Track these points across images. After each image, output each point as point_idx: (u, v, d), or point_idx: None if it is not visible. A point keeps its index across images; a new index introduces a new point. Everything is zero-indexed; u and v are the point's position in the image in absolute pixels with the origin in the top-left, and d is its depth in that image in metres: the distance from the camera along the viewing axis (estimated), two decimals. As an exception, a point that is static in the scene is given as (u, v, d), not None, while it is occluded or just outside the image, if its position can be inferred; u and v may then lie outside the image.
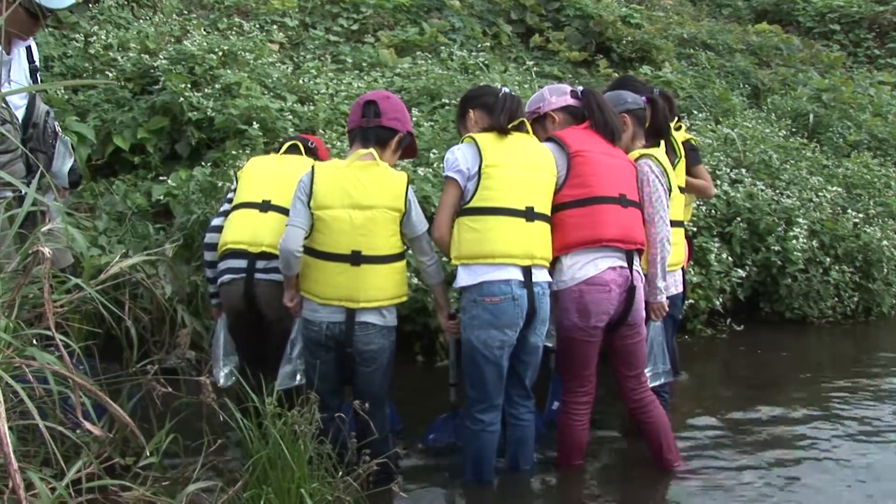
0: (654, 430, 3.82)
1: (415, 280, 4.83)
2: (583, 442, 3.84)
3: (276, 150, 4.24)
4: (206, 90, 6.28)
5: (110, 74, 6.49)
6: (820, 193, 7.25)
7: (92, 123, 5.99)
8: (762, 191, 6.92)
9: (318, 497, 2.94)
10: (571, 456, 3.83)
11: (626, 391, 3.83)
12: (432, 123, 6.50)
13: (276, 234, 3.62)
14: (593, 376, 3.76)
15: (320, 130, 6.17)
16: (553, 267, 3.64)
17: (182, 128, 6.14)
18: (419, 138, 6.12)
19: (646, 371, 3.86)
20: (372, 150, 3.53)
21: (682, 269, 4.37)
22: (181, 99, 6.07)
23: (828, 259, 6.89)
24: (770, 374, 5.56)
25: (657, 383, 3.94)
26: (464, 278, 3.51)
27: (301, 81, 6.91)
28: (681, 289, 4.29)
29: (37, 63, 4.01)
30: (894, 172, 8.43)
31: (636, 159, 3.85)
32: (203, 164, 5.84)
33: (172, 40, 7.10)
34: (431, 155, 5.88)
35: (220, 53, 6.68)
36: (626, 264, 3.65)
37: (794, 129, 8.71)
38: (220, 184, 5.39)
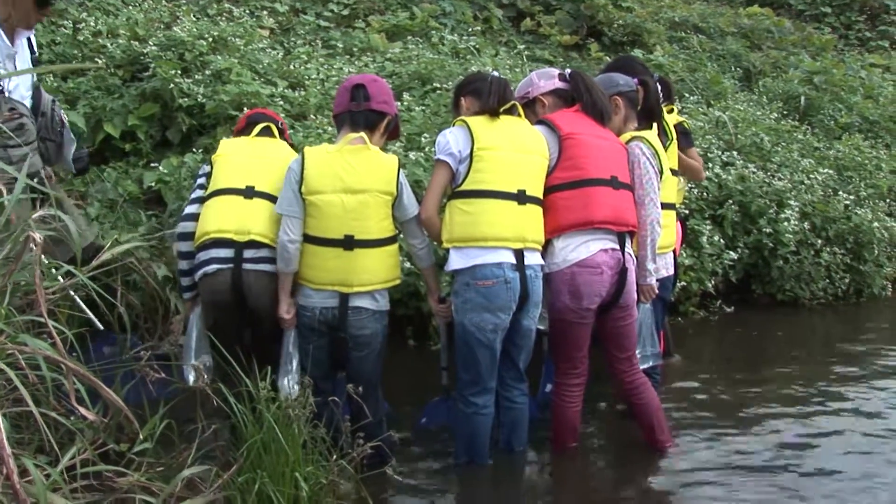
0: (646, 411, 3.85)
1: (407, 264, 4.84)
2: (576, 423, 3.86)
3: (244, 132, 3.99)
4: (196, 76, 6.25)
5: (100, 61, 6.45)
6: (811, 176, 7.27)
7: (82, 111, 5.96)
8: (754, 173, 6.94)
9: (312, 480, 2.96)
10: (565, 438, 3.85)
11: (618, 373, 3.85)
12: (423, 108, 6.48)
13: (264, 221, 3.57)
14: (586, 358, 3.78)
15: (311, 115, 6.16)
16: (545, 249, 3.65)
17: (173, 114, 6.11)
18: (410, 123, 6.13)
19: (636, 352, 3.88)
20: (362, 134, 3.53)
21: (674, 252, 4.38)
22: (171, 85, 6.04)
23: (819, 241, 6.92)
24: (762, 355, 5.59)
25: (645, 366, 3.96)
26: (456, 261, 3.51)
27: (292, 67, 6.88)
28: (672, 271, 4.30)
29: (36, 53, 4.00)
30: (885, 154, 8.46)
31: (627, 141, 3.85)
32: (194, 150, 5.82)
33: (162, 27, 7.06)
34: (423, 139, 5.88)
35: (211, 39, 6.65)
36: (617, 246, 3.66)
37: (785, 112, 8.72)
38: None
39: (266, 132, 3.91)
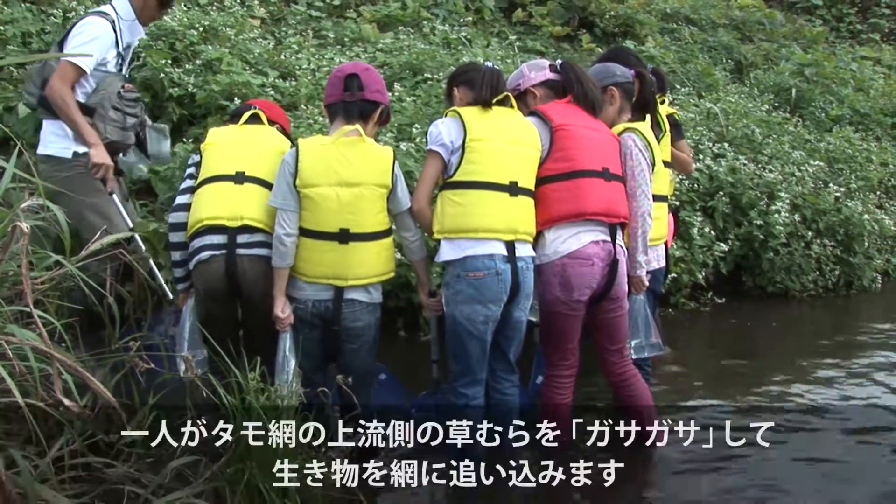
0: (637, 403, 3.84)
1: (398, 255, 4.82)
2: (567, 415, 3.86)
3: (232, 120, 3.97)
4: (187, 66, 6.21)
5: (89, 50, 6.41)
6: (802, 168, 7.29)
7: (71, 100, 5.92)
8: (745, 165, 6.95)
9: (301, 472, 2.95)
10: (556, 429, 3.84)
11: (609, 365, 3.85)
12: (414, 98, 6.47)
13: (256, 206, 3.54)
14: (576, 350, 3.77)
15: (302, 106, 6.13)
16: (536, 241, 3.64)
17: (163, 104, 6.07)
18: (401, 113, 6.11)
19: (632, 343, 3.88)
20: (358, 126, 3.50)
21: (666, 244, 4.38)
22: (162, 75, 6.01)
23: (809, 233, 6.95)
24: (752, 347, 5.62)
25: (643, 356, 3.96)
26: (447, 252, 3.50)
27: (283, 57, 6.85)
28: (663, 263, 4.29)
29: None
30: (875, 147, 8.48)
31: (620, 133, 3.84)
32: (185, 140, 5.78)
33: (152, 16, 7.01)
34: (414, 130, 5.86)
35: (201, 29, 6.61)
36: (609, 238, 3.65)
37: (776, 104, 8.74)
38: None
39: (254, 119, 3.88)
